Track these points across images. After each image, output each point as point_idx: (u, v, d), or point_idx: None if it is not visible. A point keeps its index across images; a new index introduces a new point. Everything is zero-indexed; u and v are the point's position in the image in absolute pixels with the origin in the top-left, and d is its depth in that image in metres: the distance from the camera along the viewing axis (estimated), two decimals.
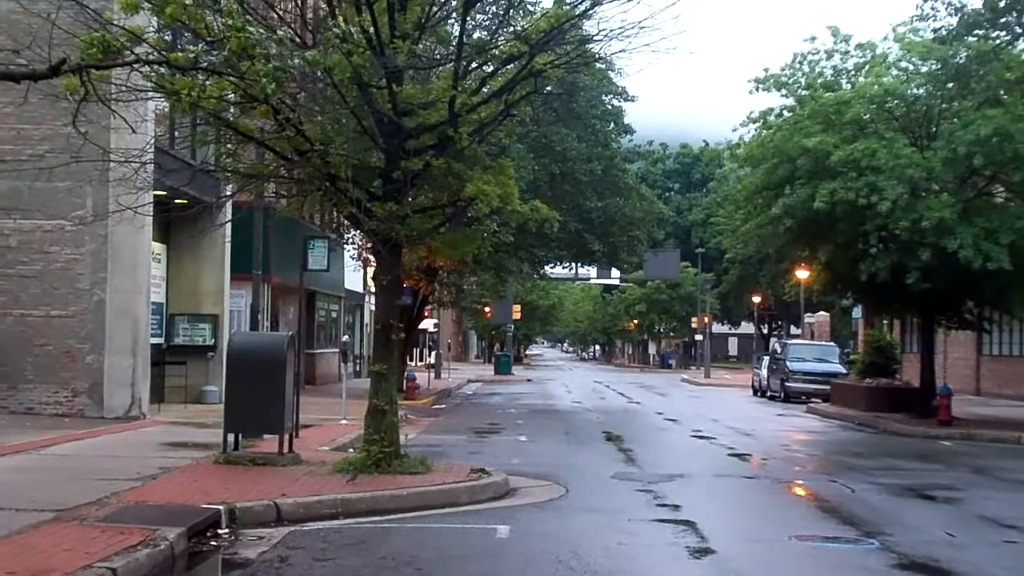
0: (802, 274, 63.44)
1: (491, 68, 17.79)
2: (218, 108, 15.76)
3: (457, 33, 18.03)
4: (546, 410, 40.15)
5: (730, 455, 24.77)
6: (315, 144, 16.45)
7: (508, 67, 17.69)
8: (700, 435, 29.86)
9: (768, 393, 51.38)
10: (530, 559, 12.25)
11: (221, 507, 14.00)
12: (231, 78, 14.02)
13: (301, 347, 34.02)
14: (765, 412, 41.31)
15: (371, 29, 15.86)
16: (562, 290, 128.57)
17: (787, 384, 48.46)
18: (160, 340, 31.86)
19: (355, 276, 54.93)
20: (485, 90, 17.59)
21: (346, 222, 41.64)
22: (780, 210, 31.46)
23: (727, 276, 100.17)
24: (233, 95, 15.64)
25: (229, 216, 31.57)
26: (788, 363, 49.08)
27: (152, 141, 24.82)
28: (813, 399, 45.78)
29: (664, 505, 16.46)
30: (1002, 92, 30.78)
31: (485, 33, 17.81)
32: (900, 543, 13.41)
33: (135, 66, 12.24)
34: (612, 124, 45.40)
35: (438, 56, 18.64)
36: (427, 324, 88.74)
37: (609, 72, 42.13)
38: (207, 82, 14.32)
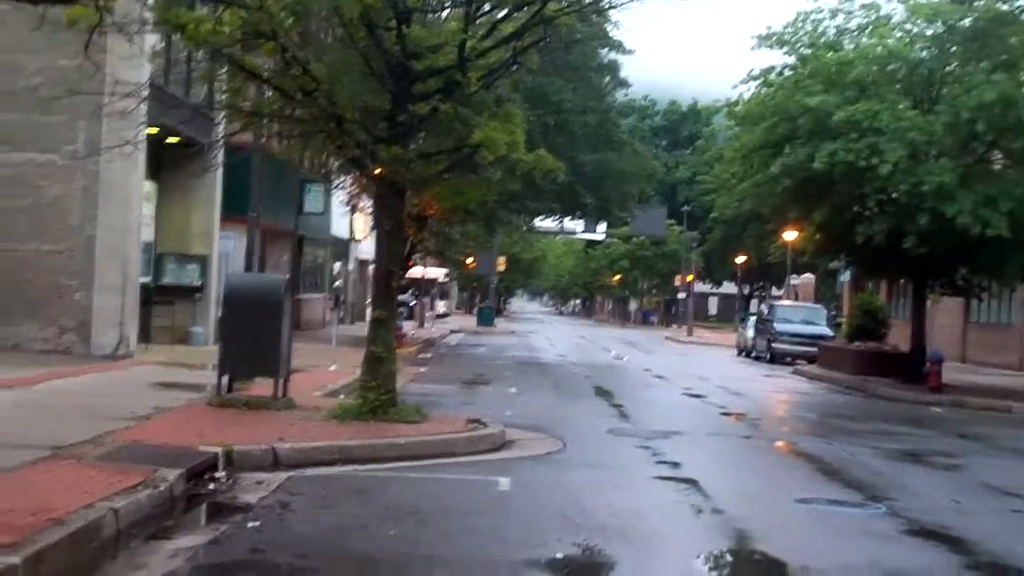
0: (790, 235, 63.64)
1: (502, 13, 17.44)
2: (224, 44, 15.43)
3: None
4: (532, 363, 40.01)
5: (723, 414, 24.62)
6: (321, 84, 16.12)
7: (518, 13, 17.37)
8: (690, 393, 29.71)
9: (754, 354, 51.23)
10: (534, 513, 12.07)
11: (218, 450, 13.76)
12: (243, 12, 13.72)
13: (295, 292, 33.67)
14: (752, 372, 41.21)
15: None
16: (545, 243, 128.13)
17: (774, 345, 48.28)
18: (148, 279, 31.51)
19: (342, 222, 54.60)
20: (495, 35, 17.26)
21: (336, 167, 41.44)
22: (778, 169, 31.18)
23: (711, 235, 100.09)
24: (239, 31, 15.33)
25: (221, 157, 31.21)
26: (775, 324, 48.92)
27: (149, 77, 24.57)
28: (799, 361, 45.70)
29: (664, 462, 16.29)
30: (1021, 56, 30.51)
31: None
32: (907, 508, 13.25)
33: None
34: (608, 77, 45.04)
35: None
36: (438, 273, 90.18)
37: (606, 24, 41.72)
38: (219, 15, 14.03)
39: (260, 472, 13.58)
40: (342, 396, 22.57)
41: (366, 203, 44.04)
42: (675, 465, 16.01)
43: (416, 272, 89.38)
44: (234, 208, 34.22)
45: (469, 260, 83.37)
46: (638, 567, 9.93)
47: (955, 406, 29.32)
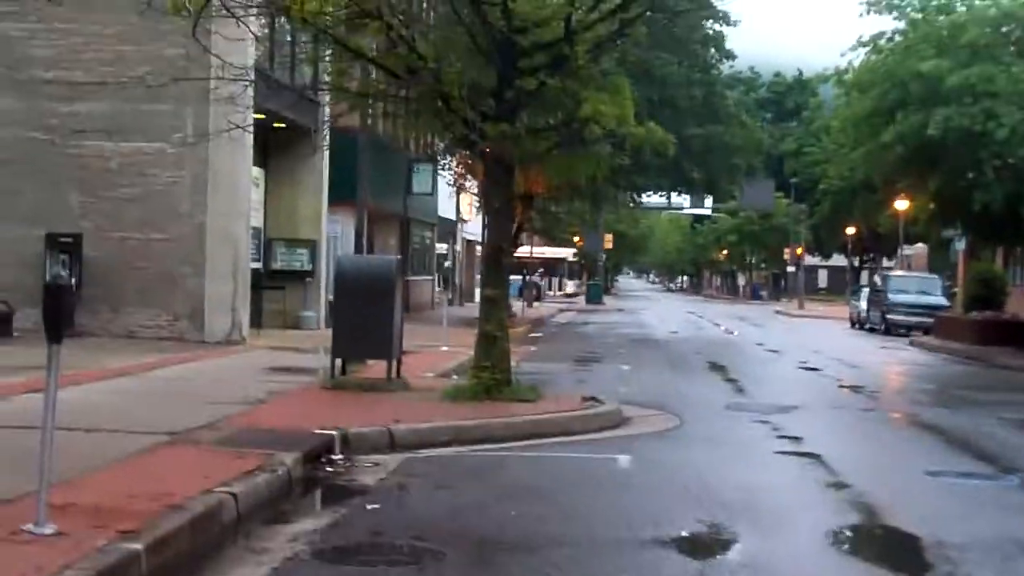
0: (901, 204, 62.58)
1: None
2: (329, 23, 15.33)
3: None
4: (643, 339, 39.69)
5: (841, 387, 24.17)
6: (428, 62, 15.97)
7: None
8: (806, 366, 29.25)
9: (868, 325, 50.47)
10: (655, 489, 11.85)
11: (334, 432, 13.68)
12: None
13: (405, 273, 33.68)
14: (867, 344, 40.52)
15: None
16: (651, 220, 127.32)
17: (888, 316, 47.47)
18: (258, 265, 31.70)
19: (448, 203, 54.61)
20: (601, 7, 16.96)
21: (442, 147, 41.42)
22: (891, 137, 30.60)
23: (820, 207, 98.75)
24: (344, 11, 15.23)
25: (327, 140, 31.30)
26: (889, 295, 48.06)
27: (254, 60, 24.64)
28: (914, 332, 44.88)
29: (784, 437, 15.96)
30: None
31: None
32: None
33: None
34: (713, 49, 44.43)
35: None
36: (566, 253, 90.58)
37: None
38: None
39: (376, 454, 13.46)
40: (454, 376, 22.47)
41: (472, 183, 44.35)
42: (796, 440, 15.68)
43: (544, 251, 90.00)
44: (340, 192, 34.29)
45: (576, 238, 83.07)
46: (766, 544, 9.65)
47: None
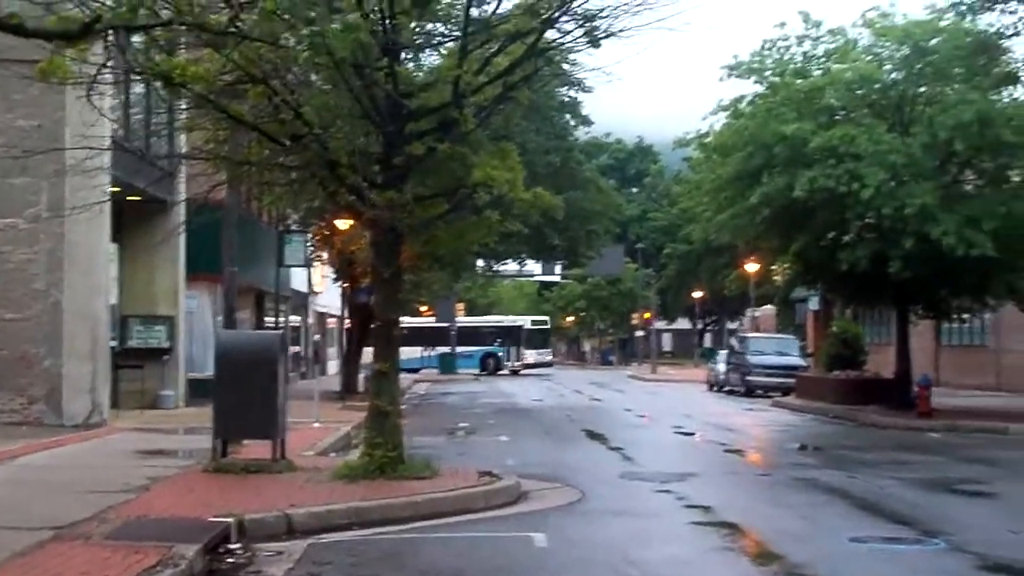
0: (752, 267, 63.25)
1: (495, 47, 16.66)
2: (210, 88, 14.61)
3: (459, 9, 16.88)
4: (511, 409, 39.13)
5: (726, 451, 23.89)
6: (313, 127, 15.34)
7: (511, 46, 16.61)
8: (682, 431, 28.97)
9: (727, 388, 50.57)
10: (585, 570, 11.25)
11: (230, 520, 12.87)
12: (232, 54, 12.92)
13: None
14: (732, 407, 40.48)
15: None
16: (498, 288, 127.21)
17: (748, 378, 47.56)
18: (114, 343, 30.46)
19: (299, 276, 53.57)
20: (488, 70, 16.50)
21: (298, 219, 40.54)
22: (757, 199, 30.59)
23: (666, 271, 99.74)
24: (228, 76, 14.55)
25: (183, 215, 30.31)
26: (749, 357, 48.21)
27: (111, 133, 23.68)
28: (772, 393, 45.05)
29: (692, 506, 15.51)
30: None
31: (488, 8, 16.59)
32: (969, 543, 12.54)
33: (156, 31, 10.97)
34: (568, 115, 44.38)
35: (441, 33, 17.53)
36: (523, 320, 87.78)
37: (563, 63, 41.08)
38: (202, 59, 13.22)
39: (275, 541, 12.71)
40: (333, 455, 21.72)
41: (325, 256, 43.51)
42: (707, 509, 15.24)
43: (501, 319, 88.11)
44: (198, 266, 33.27)
45: (423, 308, 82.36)
46: None
47: (949, 431, 28.73)
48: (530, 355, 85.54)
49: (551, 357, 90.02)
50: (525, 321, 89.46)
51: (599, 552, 12.15)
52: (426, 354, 78.99)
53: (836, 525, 13.90)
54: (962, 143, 29.54)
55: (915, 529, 13.54)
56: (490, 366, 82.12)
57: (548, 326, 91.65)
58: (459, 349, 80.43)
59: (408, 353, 78.17)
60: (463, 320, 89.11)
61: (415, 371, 75.37)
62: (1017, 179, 31.47)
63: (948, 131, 29.20)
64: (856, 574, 11.05)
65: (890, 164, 29.21)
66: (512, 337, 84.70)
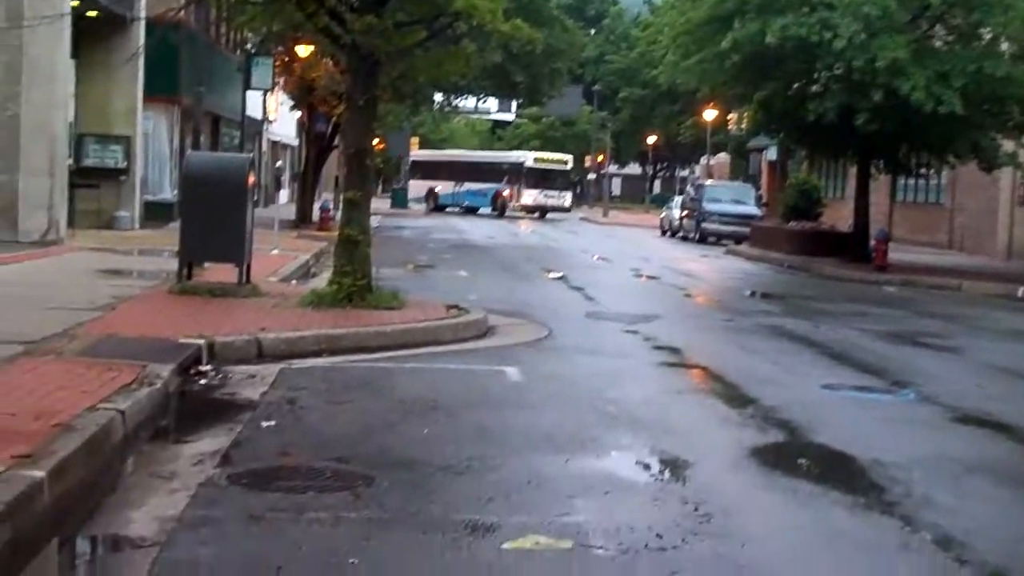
0: (709, 114, 62.99)
1: None
2: None
3: None
4: (464, 245, 39.02)
5: (686, 296, 23.95)
6: None
7: None
8: (640, 274, 29.04)
9: (680, 233, 50.62)
10: (561, 405, 11.23)
11: (200, 341, 12.75)
12: None
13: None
14: (687, 253, 40.53)
15: None
16: (452, 125, 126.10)
17: (703, 225, 47.55)
18: (69, 162, 29.93)
19: (254, 103, 52.76)
20: None
21: (257, 42, 39.80)
22: (728, 44, 30.18)
23: (620, 115, 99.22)
24: None
25: (143, 34, 29.65)
26: (704, 204, 48.14)
27: None
28: (725, 240, 45.24)
29: (661, 347, 15.54)
30: None
31: None
32: (937, 394, 12.63)
33: None
34: None
35: None
36: (524, 156, 78.30)
37: None
38: None
39: (245, 365, 12.62)
40: (294, 282, 21.58)
41: (282, 81, 42.80)
42: (675, 351, 15.30)
43: (506, 155, 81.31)
44: (157, 88, 32.68)
45: (375, 141, 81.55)
46: (710, 465, 9.12)
47: (905, 285, 28.93)
48: (530, 196, 72.93)
49: (568, 202, 75.46)
50: (527, 157, 75.75)
51: (574, 389, 12.15)
52: (458, 189, 74.91)
53: (806, 372, 13.99)
54: None
55: (884, 379, 13.62)
56: (499, 206, 73.62)
57: (566, 166, 76.59)
58: (469, 186, 74.33)
59: (419, 188, 77.51)
60: (470, 153, 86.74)
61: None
62: (988, 36, 31.20)
63: None
64: (831, 419, 11.05)
65: (863, 15, 28.85)
66: (512, 175, 73.82)
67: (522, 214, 72.15)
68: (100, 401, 9.36)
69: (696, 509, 7.70)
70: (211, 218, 16.73)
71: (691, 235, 48.77)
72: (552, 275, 26.79)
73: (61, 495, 7.35)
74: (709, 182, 57.00)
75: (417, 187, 77.36)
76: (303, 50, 36.96)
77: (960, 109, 28.52)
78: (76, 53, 29.86)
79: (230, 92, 41.27)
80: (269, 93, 47.35)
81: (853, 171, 38.74)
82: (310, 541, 6.83)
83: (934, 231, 46.75)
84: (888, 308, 23.15)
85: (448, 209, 73.20)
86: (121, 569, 6.69)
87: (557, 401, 11.45)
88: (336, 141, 43.56)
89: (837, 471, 9.25)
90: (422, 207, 74.55)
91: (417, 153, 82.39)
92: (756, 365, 14.41)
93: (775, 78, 31.69)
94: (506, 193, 72.48)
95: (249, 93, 42.83)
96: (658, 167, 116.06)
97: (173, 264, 18.05)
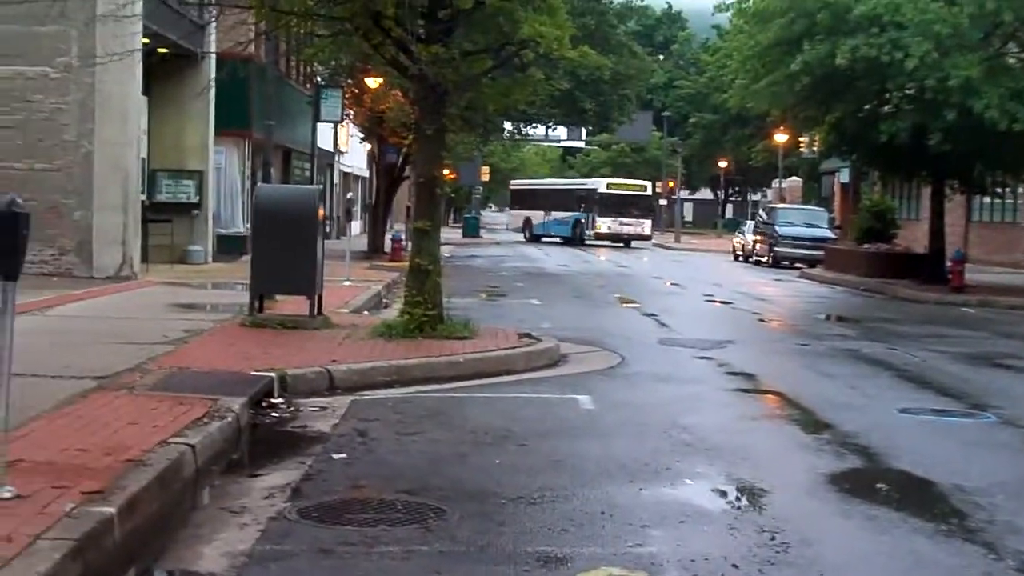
0: (780, 137, 62.63)
1: None
2: None
3: None
4: (538, 273, 38.97)
5: (760, 320, 23.71)
6: None
7: None
8: (713, 300, 28.83)
9: (753, 258, 50.33)
10: (638, 435, 11.07)
11: (272, 374, 12.74)
12: None
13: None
14: (760, 277, 40.23)
15: None
16: (522, 154, 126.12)
17: (776, 249, 47.31)
18: (143, 197, 30.23)
19: (325, 134, 53.07)
20: None
21: (328, 76, 40.09)
22: (798, 66, 29.94)
23: (691, 140, 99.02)
24: None
25: (213, 69, 29.96)
26: (777, 228, 47.86)
27: None
28: (799, 264, 44.89)
29: (735, 373, 15.35)
30: None
31: None
32: (1019, 417, 12.41)
33: None
34: None
35: None
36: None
37: None
38: None
39: (316, 397, 12.60)
40: (365, 313, 21.60)
41: (352, 113, 43.01)
42: (749, 377, 15.11)
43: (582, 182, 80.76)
44: (227, 121, 32.97)
45: (446, 171, 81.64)
46: (787, 493, 8.95)
47: (983, 305, 28.57)
48: (603, 224, 69.51)
49: (647, 229, 71.89)
50: (599, 184, 73.15)
51: (648, 416, 12.01)
52: (547, 219, 73.64)
53: (884, 396, 13.75)
54: (1009, 14, 28.86)
55: (964, 402, 13.37)
56: (576, 234, 71.14)
57: (645, 191, 73.56)
58: (552, 215, 73.29)
59: (517, 219, 77.47)
60: (550, 181, 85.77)
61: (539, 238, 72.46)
62: None
63: (995, 1, 28.48)
64: (910, 444, 10.83)
65: (934, 34, 28.52)
66: (588, 202, 71.07)
67: (599, 242, 69.30)
68: (171, 436, 9.35)
69: (772, 538, 7.56)
70: (282, 250, 16.75)
71: (764, 259, 48.48)
72: (625, 302, 26.64)
73: (132, 530, 7.33)
74: (781, 206, 56.58)
75: (517, 218, 77.74)
76: (372, 82, 37.23)
77: None
78: (147, 90, 30.22)
79: (300, 125, 41.58)
80: (339, 125, 47.80)
81: (927, 191, 38.34)
82: (380, 575, 6.76)
83: (1011, 250, 46.09)
84: (966, 329, 22.81)
85: (544, 239, 72.11)
86: None
87: (630, 429, 11.32)
88: (407, 172, 43.69)
89: (917, 497, 9.06)
90: (497, 236, 74.61)
91: (516, 182, 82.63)
92: (832, 390, 14.20)
93: (846, 99, 31.42)
94: (583, 220, 70.52)
95: (320, 125, 43.30)
96: (729, 192, 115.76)
97: (245, 297, 18.09)
